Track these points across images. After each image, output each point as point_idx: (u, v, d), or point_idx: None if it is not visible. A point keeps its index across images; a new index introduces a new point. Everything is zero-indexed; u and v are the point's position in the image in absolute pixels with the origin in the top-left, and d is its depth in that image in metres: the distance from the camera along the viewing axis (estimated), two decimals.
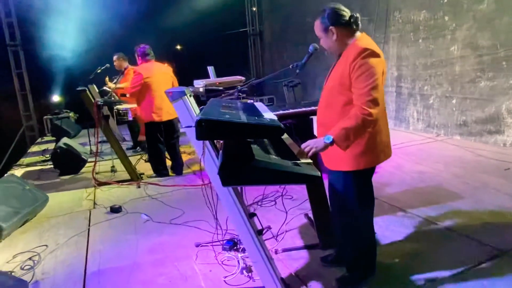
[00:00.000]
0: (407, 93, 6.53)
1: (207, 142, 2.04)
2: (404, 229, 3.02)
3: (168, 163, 5.14)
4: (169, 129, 4.91)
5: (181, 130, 5.15)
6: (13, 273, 2.71)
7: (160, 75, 4.75)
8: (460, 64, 5.52)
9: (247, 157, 1.69)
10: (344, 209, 2.26)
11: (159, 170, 4.98)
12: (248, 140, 2.02)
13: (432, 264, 2.50)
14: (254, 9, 11.73)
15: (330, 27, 2.05)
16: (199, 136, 1.62)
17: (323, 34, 2.10)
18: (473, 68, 5.33)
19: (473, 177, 4.06)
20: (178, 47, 11.70)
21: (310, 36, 9.14)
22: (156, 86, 4.66)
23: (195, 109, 2.14)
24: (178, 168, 5.05)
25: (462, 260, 2.51)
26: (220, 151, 2.08)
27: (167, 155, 5.11)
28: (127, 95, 5.11)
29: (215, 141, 2.17)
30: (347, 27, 2.07)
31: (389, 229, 3.02)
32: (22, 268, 2.83)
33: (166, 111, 4.71)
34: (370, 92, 1.91)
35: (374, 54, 1.97)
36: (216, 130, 1.62)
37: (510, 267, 2.42)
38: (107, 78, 6.10)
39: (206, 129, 1.59)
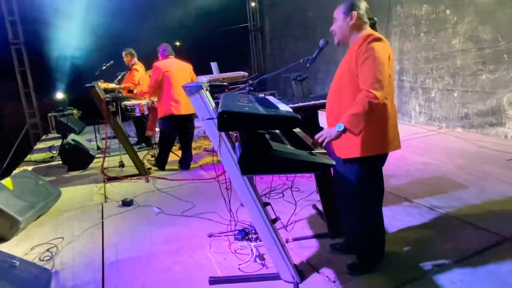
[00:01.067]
0: (409, 86, 6.61)
1: (223, 134, 2.12)
2: (410, 218, 3.12)
3: (176, 157, 5.24)
4: (187, 123, 5.06)
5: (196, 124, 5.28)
6: None
7: (179, 70, 4.90)
8: (461, 58, 5.60)
9: (266, 147, 1.78)
10: (354, 197, 2.32)
11: (161, 162, 5.12)
12: (262, 132, 2.11)
13: (438, 250, 2.60)
14: (253, 4, 11.75)
15: (354, 11, 2.17)
16: (221, 128, 1.71)
17: (342, 16, 2.20)
18: (474, 61, 5.41)
19: (476, 167, 4.16)
20: (178, 43, 11.75)
21: (311, 32, 9.23)
22: (175, 81, 4.81)
23: (211, 102, 2.22)
24: (187, 161, 5.15)
25: (467, 247, 2.60)
26: (237, 143, 2.17)
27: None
28: (135, 91, 5.18)
29: (230, 133, 2.26)
30: (363, 20, 2.19)
31: (396, 218, 3.11)
32: (41, 259, 2.92)
33: (184, 105, 4.85)
34: (374, 75, 1.98)
35: (378, 39, 2.06)
36: (237, 122, 1.70)
37: None
38: (101, 81, 6.13)
39: (228, 121, 1.67)
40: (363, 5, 2.20)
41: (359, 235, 2.44)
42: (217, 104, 2.24)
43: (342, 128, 2.01)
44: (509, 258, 2.46)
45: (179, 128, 5.03)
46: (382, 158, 2.29)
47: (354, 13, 2.16)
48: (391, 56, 2.11)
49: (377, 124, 2.14)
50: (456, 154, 4.70)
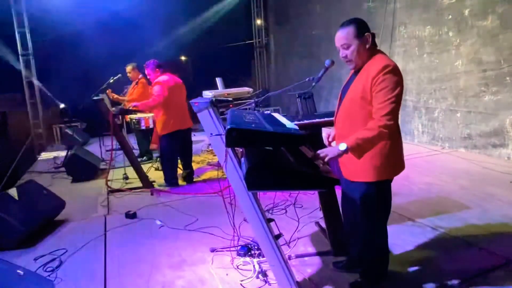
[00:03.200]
0: (412, 106, 6.66)
1: (229, 150, 2.16)
2: (413, 238, 3.11)
3: (179, 171, 5.27)
4: (190, 137, 5.13)
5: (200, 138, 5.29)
6: None
7: (177, 86, 4.96)
8: (464, 79, 5.66)
9: (272, 164, 1.81)
10: (361, 218, 2.31)
11: (172, 181, 5.04)
12: (267, 148, 2.15)
13: (441, 271, 2.59)
14: (259, 22, 11.96)
15: (367, 33, 2.13)
16: (229, 144, 1.75)
17: (356, 41, 2.11)
18: (477, 83, 5.46)
19: (479, 188, 4.16)
20: (183, 58, 11.93)
21: (315, 50, 9.36)
22: (177, 97, 4.88)
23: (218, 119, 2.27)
24: (191, 176, 5.18)
25: (470, 268, 2.60)
26: (242, 158, 2.21)
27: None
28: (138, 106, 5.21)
29: (236, 149, 2.29)
30: (373, 40, 2.17)
31: (399, 237, 3.11)
32: (45, 270, 2.93)
33: (187, 119, 4.94)
34: (389, 106, 2.01)
35: (396, 71, 2.06)
36: (245, 138, 1.74)
37: None
38: (109, 91, 6.22)
39: (235, 138, 1.71)
40: (367, 24, 2.17)
41: (363, 254, 2.44)
42: (223, 119, 2.29)
43: (345, 148, 2.03)
44: None
45: (180, 143, 5.01)
46: (391, 180, 2.31)
47: (368, 34, 2.12)
48: (403, 84, 2.12)
49: (390, 150, 2.16)
50: (459, 174, 4.71)
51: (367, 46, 2.14)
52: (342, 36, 2.15)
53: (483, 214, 3.47)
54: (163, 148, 5.01)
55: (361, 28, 2.13)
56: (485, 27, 5.26)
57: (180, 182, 5.16)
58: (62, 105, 6.55)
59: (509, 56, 4.99)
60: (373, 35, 2.17)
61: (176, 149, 5.02)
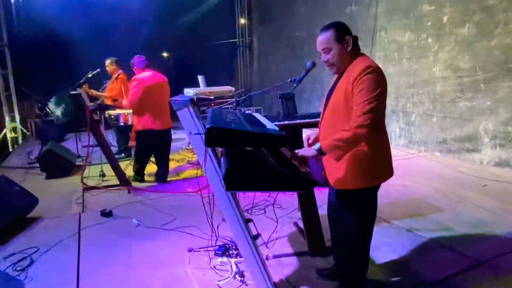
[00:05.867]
0: (390, 109, 6.78)
1: (209, 149, 2.14)
2: (388, 239, 3.17)
3: (152, 169, 5.24)
4: (165, 138, 5.02)
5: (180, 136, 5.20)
6: None
7: (158, 84, 4.85)
8: (441, 84, 5.81)
9: (251, 164, 1.81)
10: (346, 226, 2.29)
11: (140, 174, 5.08)
12: (247, 148, 2.14)
13: (415, 272, 2.65)
14: (242, 21, 11.94)
15: (348, 36, 2.11)
16: (208, 143, 1.73)
17: (336, 44, 2.10)
18: (453, 89, 5.61)
19: (453, 192, 4.27)
20: (165, 54, 11.79)
21: (299, 50, 9.41)
22: (157, 94, 4.77)
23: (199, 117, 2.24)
24: (164, 175, 5.12)
25: (443, 269, 2.67)
26: (222, 158, 2.19)
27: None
28: (124, 102, 5.11)
29: (215, 148, 2.27)
30: (355, 43, 2.16)
31: (375, 238, 3.09)
32: (14, 270, 2.83)
33: (164, 120, 4.83)
34: (366, 107, 1.96)
35: (377, 72, 2.02)
36: (224, 138, 1.72)
37: (488, 275, 2.59)
38: (86, 86, 6.07)
39: (215, 137, 1.70)
40: (348, 27, 2.16)
41: (346, 260, 2.41)
42: (204, 118, 2.27)
43: (318, 147, 2.05)
44: (484, 281, 2.53)
45: (155, 142, 4.97)
46: (377, 186, 2.27)
47: (349, 38, 2.10)
48: (387, 87, 2.08)
49: (374, 156, 2.12)
50: (434, 178, 4.82)
51: (348, 49, 2.12)
52: (323, 40, 2.14)
53: (456, 217, 3.56)
54: (136, 144, 5.06)
55: (341, 32, 2.11)
56: (462, 34, 5.41)
57: (147, 179, 5.14)
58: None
59: (484, 64, 5.14)
60: (356, 38, 2.16)
61: (148, 147, 4.99)
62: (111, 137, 7.21)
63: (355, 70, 2.04)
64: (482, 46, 5.15)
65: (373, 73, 2.00)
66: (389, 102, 6.77)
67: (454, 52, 5.54)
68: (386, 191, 4.31)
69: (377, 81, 2.00)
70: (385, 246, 3.04)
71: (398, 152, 6.19)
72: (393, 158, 2.29)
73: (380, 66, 2.12)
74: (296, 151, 2.12)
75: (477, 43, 5.21)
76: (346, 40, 2.11)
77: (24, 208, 3.81)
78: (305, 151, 2.10)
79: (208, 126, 1.69)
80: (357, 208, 2.24)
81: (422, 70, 6.09)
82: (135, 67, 4.90)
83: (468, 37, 5.34)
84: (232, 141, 1.75)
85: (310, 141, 2.43)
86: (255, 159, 1.85)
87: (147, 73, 4.82)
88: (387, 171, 2.25)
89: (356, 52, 2.16)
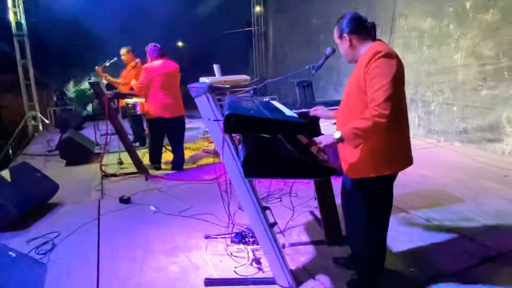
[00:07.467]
0: (409, 98, 6.64)
1: (227, 136, 2.14)
2: (407, 229, 3.14)
3: (169, 157, 5.28)
4: (178, 126, 5.03)
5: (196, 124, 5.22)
6: None
7: (169, 72, 4.85)
8: (462, 72, 5.65)
9: (270, 151, 1.79)
10: (363, 216, 2.27)
11: (156, 162, 5.15)
12: (265, 135, 2.13)
13: (434, 263, 2.62)
14: (258, 9, 11.81)
15: (344, 34, 2.13)
16: (227, 130, 1.72)
17: (339, 41, 2.19)
18: (475, 77, 5.45)
19: (473, 182, 4.18)
20: (180, 43, 11.78)
21: (314, 39, 9.25)
22: (166, 83, 4.77)
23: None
24: (180, 163, 5.15)
25: (463, 260, 2.62)
26: (239, 145, 2.19)
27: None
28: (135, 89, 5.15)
29: (233, 135, 2.27)
30: (362, 35, 2.13)
31: (392, 228, 3.07)
32: (37, 253, 2.91)
33: (175, 107, 4.84)
34: (383, 94, 1.91)
35: (388, 55, 1.97)
36: (243, 125, 1.71)
37: (508, 267, 2.54)
38: (100, 68, 6.13)
39: (234, 124, 1.69)
40: (356, 20, 2.13)
41: (363, 252, 2.38)
42: (220, 106, 2.26)
43: (339, 136, 2.00)
44: (504, 272, 2.49)
45: (166, 130, 5.02)
46: (394, 175, 2.24)
47: (345, 36, 2.13)
48: (402, 70, 2.04)
49: (392, 142, 2.09)
50: (454, 168, 4.73)
51: (348, 45, 2.15)
52: (334, 35, 2.23)
53: (477, 208, 3.49)
54: (149, 132, 5.17)
55: (340, 30, 2.16)
56: (485, 20, 5.23)
57: (164, 167, 5.19)
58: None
59: (508, 51, 4.97)
60: (372, 26, 2.15)
61: (159, 135, 5.06)
62: (127, 126, 7.30)
63: (366, 57, 2.03)
64: (506, 32, 4.97)
65: (384, 57, 1.96)
66: (408, 90, 6.63)
67: (477, 39, 5.37)
68: (405, 181, 4.24)
69: (390, 64, 1.97)
70: (403, 236, 3.00)
71: (417, 142, 6.08)
72: (412, 148, 2.24)
73: (400, 54, 2.07)
74: (314, 138, 2.09)
75: (502, 30, 5.03)
76: (343, 38, 2.15)
77: (46, 194, 3.90)
78: (324, 139, 2.06)
79: (227, 112, 1.68)
80: (372, 197, 2.21)
81: (443, 58, 5.93)
82: (148, 56, 4.92)
83: (492, 23, 5.16)
84: (251, 128, 1.74)
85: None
86: (274, 146, 1.84)
87: (157, 62, 4.82)
88: (405, 160, 2.20)
89: (365, 42, 2.14)
